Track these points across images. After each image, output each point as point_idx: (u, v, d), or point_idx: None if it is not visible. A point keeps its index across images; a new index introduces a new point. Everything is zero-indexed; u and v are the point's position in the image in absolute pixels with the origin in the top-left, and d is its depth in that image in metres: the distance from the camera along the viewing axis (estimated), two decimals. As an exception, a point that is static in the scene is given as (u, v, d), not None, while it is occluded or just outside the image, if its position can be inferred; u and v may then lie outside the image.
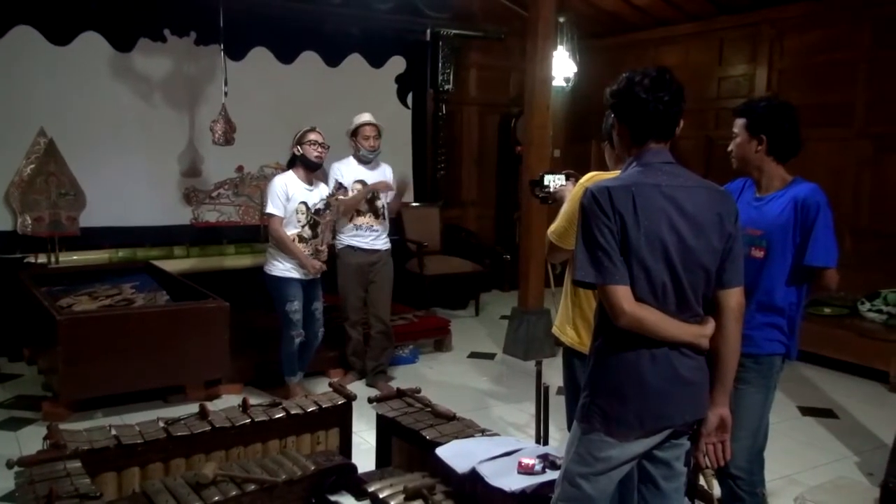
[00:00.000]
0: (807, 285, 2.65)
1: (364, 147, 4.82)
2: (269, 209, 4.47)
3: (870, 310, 5.51)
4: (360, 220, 4.85)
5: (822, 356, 5.46)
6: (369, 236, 4.86)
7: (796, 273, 2.59)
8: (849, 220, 6.14)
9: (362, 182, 4.84)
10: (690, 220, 1.94)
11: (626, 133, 2.05)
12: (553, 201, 3.07)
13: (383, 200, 4.92)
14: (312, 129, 4.54)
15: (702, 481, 3.12)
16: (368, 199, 4.85)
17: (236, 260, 6.35)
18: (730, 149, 2.73)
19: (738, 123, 2.68)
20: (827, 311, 5.67)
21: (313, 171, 4.57)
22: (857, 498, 3.48)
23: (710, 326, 2.00)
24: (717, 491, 2.93)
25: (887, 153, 6.02)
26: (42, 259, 5.65)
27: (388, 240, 5.00)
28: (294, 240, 4.49)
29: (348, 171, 4.85)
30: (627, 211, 1.90)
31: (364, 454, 3.61)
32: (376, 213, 4.88)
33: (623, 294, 1.90)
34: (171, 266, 5.80)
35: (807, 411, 4.76)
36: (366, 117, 4.86)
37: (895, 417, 4.16)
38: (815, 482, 3.69)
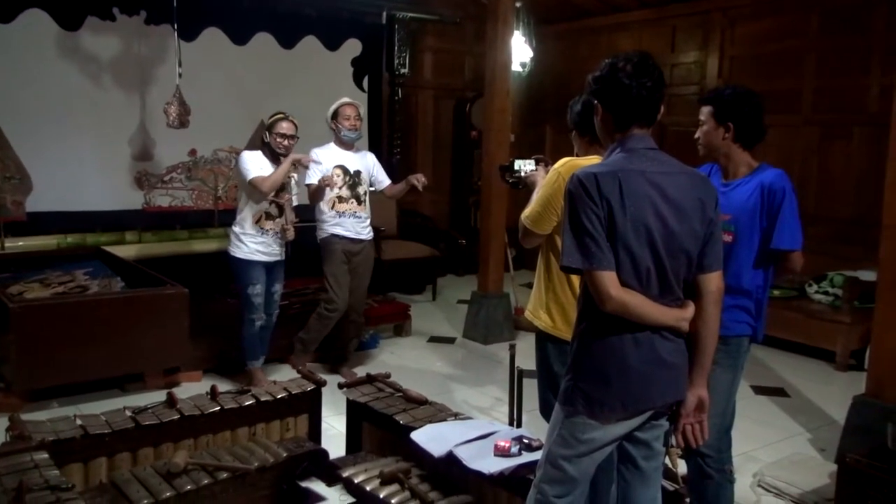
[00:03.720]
0: (773, 268, 2.72)
1: (345, 127, 4.71)
2: (250, 175, 4.29)
3: (817, 292, 5.69)
4: (342, 207, 4.72)
5: (772, 337, 5.60)
6: (353, 223, 4.76)
7: (763, 256, 2.65)
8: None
9: (342, 167, 4.73)
10: (674, 206, 1.97)
11: (610, 119, 2.06)
12: (524, 186, 3.08)
13: (365, 186, 4.83)
14: (285, 118, 4.42)
15: (666, 460, 3.21)
16: (350, 185, 4.73)
17: (190, 245, 6.23)
18: (696, 136, 2.77)
19: (705, 111, 2.71)
20: (776, 293, 5.82)
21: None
22: (812, 472, 3.61)
23: (690, 310, 2.04)
24: (681, 469, 3.02)
25: (833, 140, 6.20)
26: (-14, 245, 5.46)
27: (371, 228, 4.92)
28: (261, 217, 4.41)
29: (328, 157, 4.72)
30: (614, 197, 1.92)
31: (332, 440, 3.60)
32: (358, 199, 4.77)
33: (610, 279, 1.92)
34: (122, 252, 5.67)
35: (759, 390, 4.92)
36: (346, 98, 4.81)
37: (842, 395, 4.30)
38: (771, 459, 3.82)
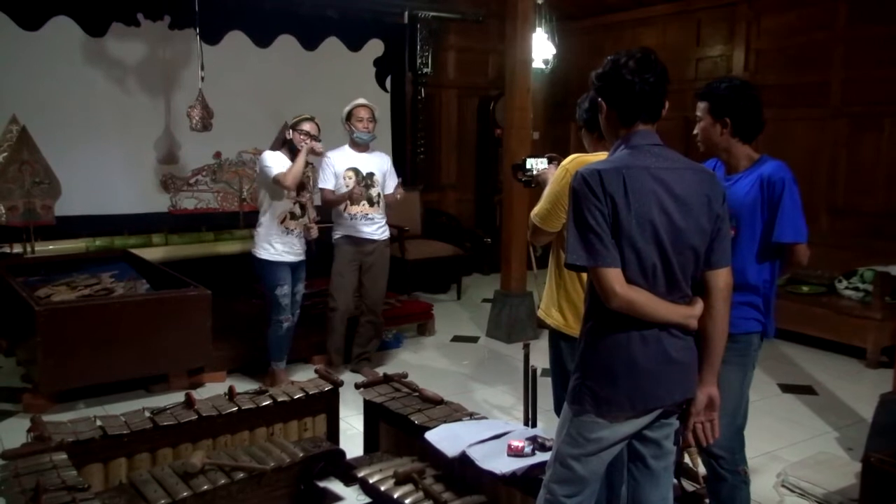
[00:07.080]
0: (779, 262, 2.65)
1: (358, 129, 4.73)
2: (274, 173, 4.29)
3: (847, 287, 5.57)
4: (354, 209, 4.75)
5: (801, 334, 5.53)
6: (365, 225, 4.78)
7: (766, 250, 2.57)
8: (825, 199, 6.22)
9: (354, 169, 4.75)
10: (680, 202, 1.94)
11: (614, 116, 2.04)
12: (536, 184, 3.07)
13: (379, 188, 4.84)
14: (310, 119, 4.45)
15: (687, 459, 3.17)
16: (363, 187, 4.77)
17: (215, 247, 6.30)
18: (695, 132, 2.70)
19: (701, 107, 2.63)
20: (805, 289, 5.73)
21: None
22: (837, 472, 3.54)
23: (698, 307, 2.02)
24: (702, 469, 2.98)
25: (862, 132, 6.08)
26: (17, 249, 5.57)
27: (386, 228, 4.92)
28: (286, 217, 4.45)
29: (340, 160, 4.74)
30: (618, 193, 1.90)
31: (351, 440, 3.62)
32: (371, 202, 4.80)
33: (614, 276, 1.90)
34: (149, 254, 5.75)
35: (786, 388, 4.83)
36: (360, 100, 4.82)
37: (872, 393, 4.21)
38: (796, 458, 3.75)
